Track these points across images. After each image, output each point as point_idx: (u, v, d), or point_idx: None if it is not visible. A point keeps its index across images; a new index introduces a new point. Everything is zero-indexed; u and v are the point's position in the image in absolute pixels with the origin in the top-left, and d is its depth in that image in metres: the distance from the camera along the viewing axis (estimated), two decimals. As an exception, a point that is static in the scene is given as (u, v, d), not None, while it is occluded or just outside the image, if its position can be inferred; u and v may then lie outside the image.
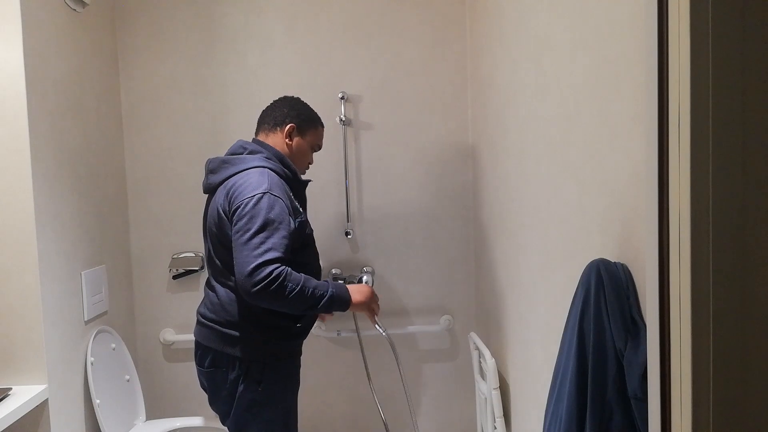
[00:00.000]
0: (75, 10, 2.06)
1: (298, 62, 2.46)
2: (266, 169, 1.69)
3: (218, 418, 1.87)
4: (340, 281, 1.75)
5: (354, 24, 2.46)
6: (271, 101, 1.90)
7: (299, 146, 1.85)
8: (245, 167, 1.71)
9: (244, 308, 1.71)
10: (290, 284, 1.58)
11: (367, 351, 2.54)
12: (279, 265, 1.57)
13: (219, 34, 2.45)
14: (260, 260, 1.55)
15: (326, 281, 1.72)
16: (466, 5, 2.45)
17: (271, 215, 1.60)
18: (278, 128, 1.83)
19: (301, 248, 1.76)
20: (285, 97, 1.90)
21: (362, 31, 2.46)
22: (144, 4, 2.43)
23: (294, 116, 1.83)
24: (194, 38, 2.44)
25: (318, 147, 1.93)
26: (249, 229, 1.58)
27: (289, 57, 2.46)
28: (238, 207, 1.62)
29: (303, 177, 1.86)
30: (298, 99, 1.90)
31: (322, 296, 1.66)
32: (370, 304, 1.81)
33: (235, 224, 1.61)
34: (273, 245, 1.58)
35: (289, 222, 1.64)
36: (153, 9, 2.43)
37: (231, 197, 1.67)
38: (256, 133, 1.87)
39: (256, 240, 1.57)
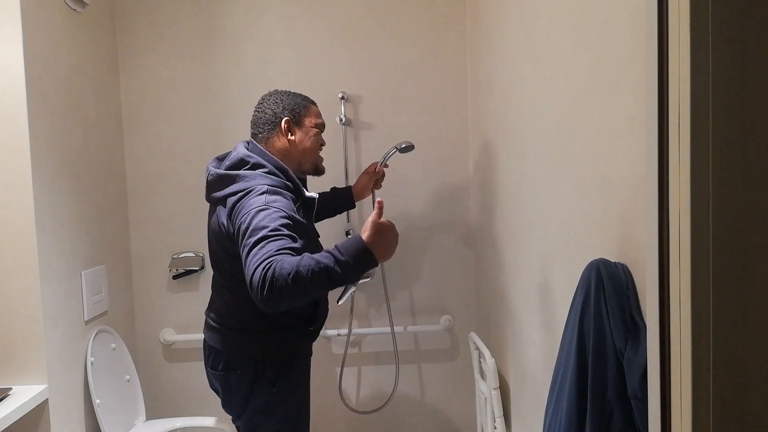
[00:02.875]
0: (75, 10, 2.06)
1: (298, 62, 2.46)
2: (266, 186, 1.61)
3: (218, 418, 1.87)
4: (348, 239, 1.44)
5: (354, 24, 2.46)
6: (255, 106, 1.81)
7: (303, 136, 1.77)
8: (246, 187, 1.61)
9: (257, 311, 1.64)
10: (282, 272, 1.36)
11: (367, 350, 2.55)
12: (268, 261, 1.39)
13: (219, 34, 2.45)
14: (251, 270, 1.41)
15: (332, 249, 1.42)
16: (466, 5, 2.45)
17: (270, 224, 1.48)
18: (275, 130, 1.75)
19: None
20: (265, 98, 1.80)
21: (362, 31, 2.46)
22: (144, 4, 2.43)
23: (282, 110, 1.75)
24: (194, 38, 2.44)
25: (322, 126, 1.84)
26: (246, 244, 1.49)
27: (289, 57, 2.46)
28: (239, 226, 1.54)
29: (308, 194, 1.78)
30: (277, 92, 1.80)
31: (328, 270, 1.36)
32: (391, 245, 1.45)
33: (239, 240, 1.53)
34: (267, 251, 1.43)
35: (291, 222, 1.53)
36: (153, 9, 2.43)
37: (233, 218, 1.59)
38: (255, 141, 1.78)
39: (252, 251, 1.45)
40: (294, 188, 1.72)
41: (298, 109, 1.78)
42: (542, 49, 1.47)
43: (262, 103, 1.80)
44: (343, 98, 2.44)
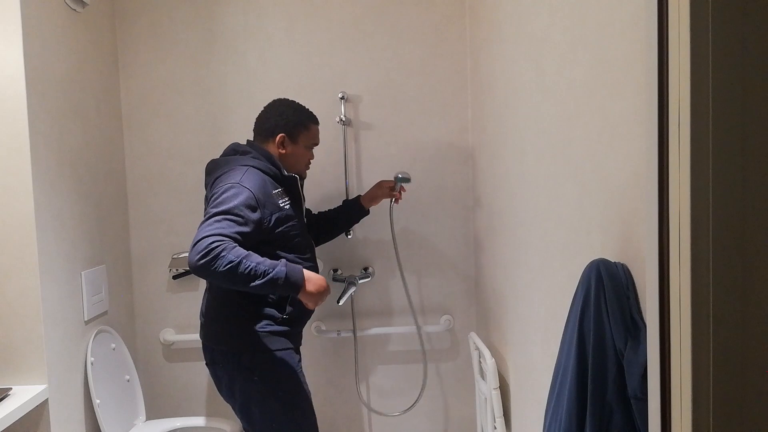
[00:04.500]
0: (75, 10, 2.06)
1: (298, 62, 2.46)
2: (248, 167, 1.76)
3: (218, 418, 1.92)
4: (299, 265, 1.73)
5: (354, 24, 2.46)
6: (264, 106, 1.95)
7: (293, 152, 1.91)
8: (230, 168, 1.78)
9: (230, 302, 1.79)
10: (229, 256, 1.55)
11: (366, 350, 2.55)
12: (220, 238, 1.57)
13: (219, 34, 2.45)
14: (203, 235, 1.57)
15: (281, 261, 1.67)
16: (466, 5, 2.45)
17: (233, 203, 1.64)
18: (270, 139, 1.89)
19: (284, 243, 1.81)
20: (273, 104, 1.94)
21: (362, 31, 2.46)
22: (144, 4, 2.43)
23: (282, 125, 1.88)
24: (194, 38, 2.44)
25: (314, 144, 1.97)
26: (208, 213, 1.65)
27: (289, 57, 2.46)
28: (211, 196, 1.71)
29: (286, 173, 1.88)
30: (286, 103, 1.93)
31: (264, 274, 1.60)
32: (318, 299, 1.73)
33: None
34: (223, 227, 1.60)
35: (251, 214, 1.67)
36: (153, 9, 2.43)
37: (211, 191, 1.76)
38: (254, 139, 1.94)
39: (209, 221, 1.61)
40: (280, 175, 1.84)
41: (297, 128, 1.90)
42: (542, 49, 1.47)
43: (269, 109, 1.93)
44: (343, 98, 2.44)
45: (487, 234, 2.25)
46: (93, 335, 2.06)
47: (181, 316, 2.49)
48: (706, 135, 0.71)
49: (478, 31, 2.28)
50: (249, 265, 1.58)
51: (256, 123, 1.94)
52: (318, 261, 2.12)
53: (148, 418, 2.30)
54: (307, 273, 1.71)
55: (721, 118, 0.71)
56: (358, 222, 2.30)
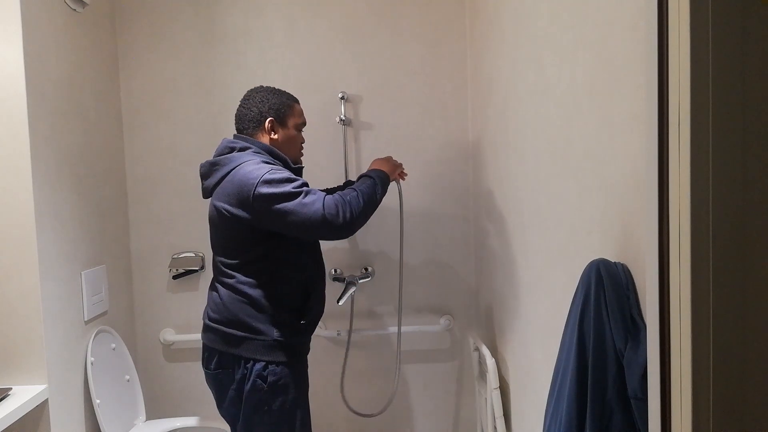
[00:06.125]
0: (75, 10, 2.06)
1: (298, 62, 2.46)
2: (258, 161, 1.70)
3: (218, 418, 1.87)
4: (372, 169, 1.93)
5: (354, 24, 2.46)
6: (240, 100, 1.87)
7: (285, 135, 1.84)
8: (236, 164, 1.70)
9: (246, 306, 1.72)
10: (349, 195, 1.71)
11: (367, 351, 2.55)
12: (321, 195, 1.66)
13: (219, 34, 2.45)
14: (315, 208, 1.63)
15: (364, 176, 1.86)
16: (466, 5, 2.45)
17: (291, 180, 1.66)
18: (259, 128, 1.81)
19: (298, 248, 1.76)
20: (250, 94, 1.85)
21: (362, 31, 2.46)
22: (144, 4, 2.43)
23: (267, 110, 1.81)
24: (194, 38, 2.44)
25: (303, 124, 1.91)
26: (286, 201, 1.63)
27: (289, 57, 2.46)
28: (257, 199, 1.63)
29: (294, 165, 1.85)
30: (263, 89, 1.86)
31: (375, 187, 1.81)
32: (395, 168, 2.00)
33: (270, 211, 1.63)
34: (311, 191, 1.67)
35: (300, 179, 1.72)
36: (153, 9, 2.43)
37: (236, 195, 1.66)
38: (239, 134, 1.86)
39: (296, 201, 1.63)
40: (283, 164, 1.79)
41: (282, 109, 1.84)
42: (542, 49, 1.47)
43: (247, 100, 1.85)
44: (343, 98, 2.44)
45: (487, 234, 2.25)
46: (93, 335, 2.06)
47: (181, 316, 2.49)
48: (706, 135, 0.71)
49: (478, 31, 2.28)
50: (365, 188, 1.77)
51: (237, 118, 1.84)
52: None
53: (148, 418, 2.30)
54: (377, 164, 1.97)
55: (721, 118, 0.71)
56: None
